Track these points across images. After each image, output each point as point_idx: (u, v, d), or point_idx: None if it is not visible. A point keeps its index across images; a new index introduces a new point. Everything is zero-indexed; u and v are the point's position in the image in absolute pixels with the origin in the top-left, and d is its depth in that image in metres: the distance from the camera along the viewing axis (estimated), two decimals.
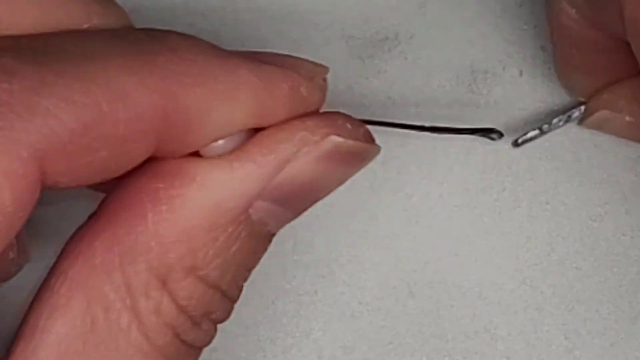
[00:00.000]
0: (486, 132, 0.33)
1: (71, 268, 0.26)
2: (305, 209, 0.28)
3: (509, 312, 0.35)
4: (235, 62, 0.26)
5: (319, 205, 0.28)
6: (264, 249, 0.28)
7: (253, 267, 0.28)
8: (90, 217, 0.27)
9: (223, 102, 0.26)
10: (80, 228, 0.26)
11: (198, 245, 0.26)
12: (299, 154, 0.27)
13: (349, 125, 0.28)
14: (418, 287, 0.35)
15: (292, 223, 0.28)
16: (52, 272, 0.26)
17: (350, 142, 0.28)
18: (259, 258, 0.28)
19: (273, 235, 0.28)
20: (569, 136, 0.35)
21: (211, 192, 0.26)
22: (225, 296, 0.27)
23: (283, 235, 0.29)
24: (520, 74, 0.35)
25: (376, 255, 0.35)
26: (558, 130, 0.35)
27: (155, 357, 0.26)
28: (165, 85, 0.25)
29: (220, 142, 0.27)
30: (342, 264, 0.35)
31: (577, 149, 0.35)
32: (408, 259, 0.35)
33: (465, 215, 0.35)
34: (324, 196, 0.28)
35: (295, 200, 0.28)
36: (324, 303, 0.35)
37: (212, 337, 0.28)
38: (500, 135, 0.33)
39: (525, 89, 0.35)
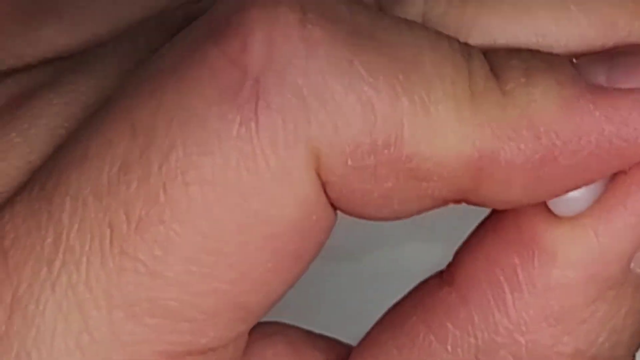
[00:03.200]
0: None
1: (412, 341, 0.23)
2: None
3: None
4: None
5: None
6: None
7: None
8: (432, 278, 0.24)
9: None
10: (421, 289, 0.24)
11: (574, 325, 0.22)
12: None
13: None
14: None
15: None
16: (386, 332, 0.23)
17: None
18: None
19: None
20: None
21: (578, 267, 0.22)
22: None
23: None
24: None
25: None
26: None
27: None
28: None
29: (577, 192, 0.22)
30: None
31: None
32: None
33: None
34: None
35: None
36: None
37: None
38: None
39: None
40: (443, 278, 0.23)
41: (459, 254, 0.23)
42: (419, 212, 0.22)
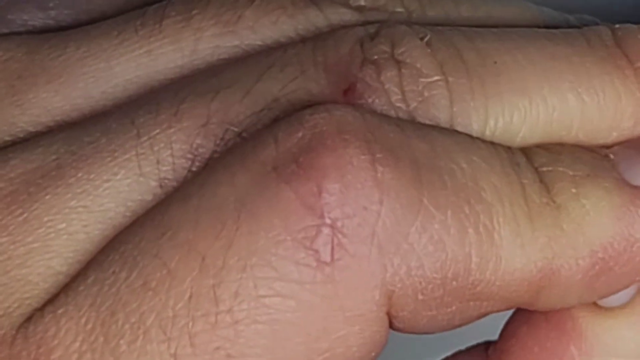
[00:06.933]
0: None
1: None
2: None
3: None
4: None
5: None
6: None
7: None
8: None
9: None
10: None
11: None
12: None
13: None
14: None
15: None
16: None
17: None
18: None
19: None
20: None
21: (636, 354, 0.23)
22: None
23: None
24: None
25: None
26: None
27: None
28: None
29: (627, 289, 0.23)
30: None
31: None
32: None
33: None
34: None
35: None
36: None
37: None
38: None
39: None
40: None
41: (507, 339, 0.24)
42: (475, 320, 0.22)
